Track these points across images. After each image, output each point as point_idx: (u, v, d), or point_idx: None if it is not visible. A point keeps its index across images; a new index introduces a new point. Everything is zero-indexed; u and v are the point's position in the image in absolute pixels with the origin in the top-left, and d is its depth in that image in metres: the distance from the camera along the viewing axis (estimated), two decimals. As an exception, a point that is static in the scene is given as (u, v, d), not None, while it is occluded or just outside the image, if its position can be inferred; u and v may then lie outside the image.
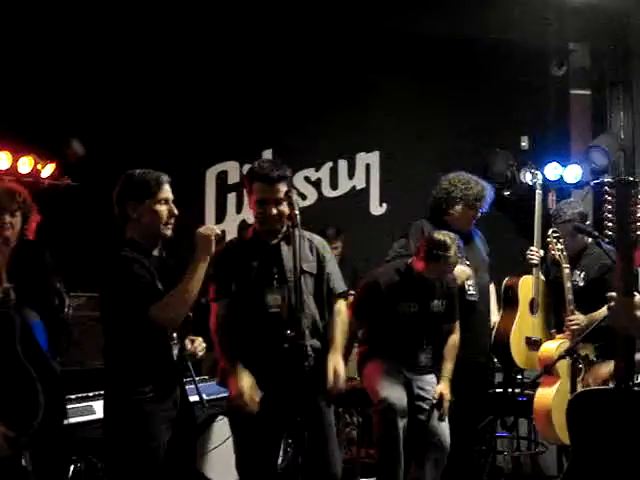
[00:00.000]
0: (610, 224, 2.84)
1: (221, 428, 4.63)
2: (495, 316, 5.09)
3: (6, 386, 3.08)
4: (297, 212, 3.44)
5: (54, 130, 6.29)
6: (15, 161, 6.15)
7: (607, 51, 7.42)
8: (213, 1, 6.74)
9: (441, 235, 4.34)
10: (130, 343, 3.18)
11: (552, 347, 4.68)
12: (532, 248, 5.09)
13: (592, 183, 7.18)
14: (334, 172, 7.32)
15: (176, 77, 6.74)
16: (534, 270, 5.03)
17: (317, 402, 3.62)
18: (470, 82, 7.23)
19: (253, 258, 3.68)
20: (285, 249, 3.66)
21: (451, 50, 7.17)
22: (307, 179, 7.22)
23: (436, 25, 6.79)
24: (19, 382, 3.11)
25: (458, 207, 4.84)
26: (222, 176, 7.10)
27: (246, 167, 7.07)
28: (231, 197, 7.12)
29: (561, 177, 7.24)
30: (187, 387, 3.44)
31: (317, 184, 7.23)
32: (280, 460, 4.10)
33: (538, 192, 5.38)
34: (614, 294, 2.79)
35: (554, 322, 5.08)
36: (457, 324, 4.57)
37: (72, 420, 4.44)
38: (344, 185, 7.36)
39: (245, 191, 3.88)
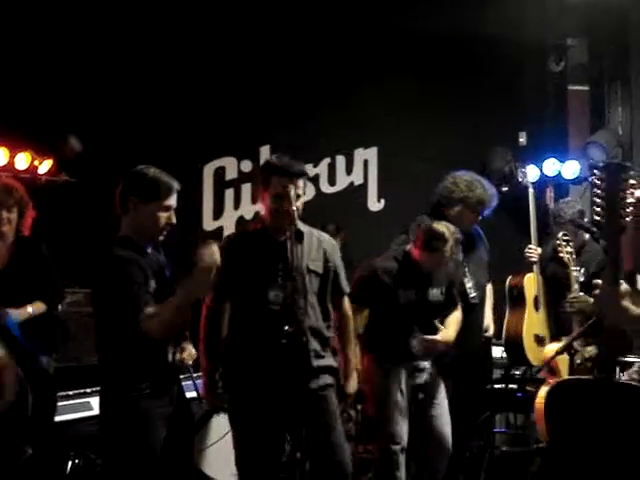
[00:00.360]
0: (598, 209, 2.75)
1: (219, 424, 4.62)
2: (487, 319, 5.02)
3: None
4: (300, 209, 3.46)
5: (51, 126, 6.28)
6: (12, 157, 6.14)
7: (605, 47, 7.41)
8: (210, -3, 6.75)
9: (441, 226, 4.28)
10: (124, 342, 3.14)
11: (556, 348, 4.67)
12: (530, 246, 5.13)
13: (590, 179, 7.16)
14: (332, 168, 7.31)
15: (174, 73, 6.73)
16: (534, 268, 5.05)
17: (320, 394, 3.62)
18: (468, 78, 7.22)
19: (259, 252, 3.64)
20: (293, 246, 3.56)
21: (449, 46, 7.14)
22: (305, 175, 7.21)
23: (435, 22, 6.77)
24: None
25: (457, 208, 4.73)
26: (220, 172, 7.08)
27: (244, 163, 7.17)
28: (229, 193, 7.11)
29: (559, 173, 7.23)
30: (185, 384, 3.43)
31: (315, 180, 7.22)
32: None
33: (530, 191, 5.40)
34: (599, 281, 2.73)
35: (552, 319, 5.07)
36: (459, 307, 4.50)
37: (70, 416, 4.46)
38: (342, 181, 7.35)
39: (259, 184, 3.71)
